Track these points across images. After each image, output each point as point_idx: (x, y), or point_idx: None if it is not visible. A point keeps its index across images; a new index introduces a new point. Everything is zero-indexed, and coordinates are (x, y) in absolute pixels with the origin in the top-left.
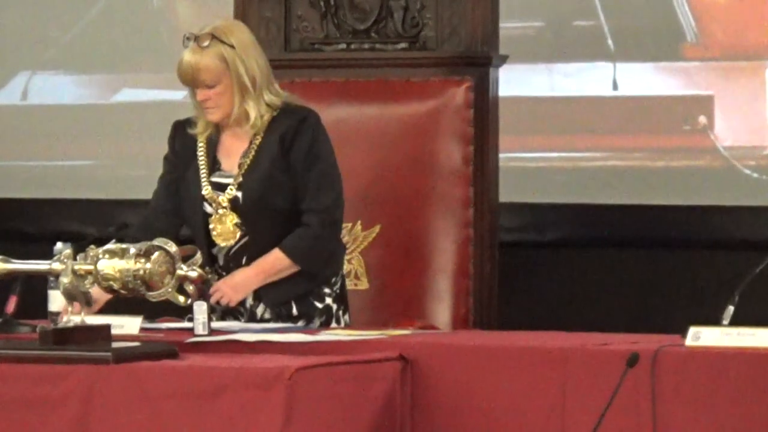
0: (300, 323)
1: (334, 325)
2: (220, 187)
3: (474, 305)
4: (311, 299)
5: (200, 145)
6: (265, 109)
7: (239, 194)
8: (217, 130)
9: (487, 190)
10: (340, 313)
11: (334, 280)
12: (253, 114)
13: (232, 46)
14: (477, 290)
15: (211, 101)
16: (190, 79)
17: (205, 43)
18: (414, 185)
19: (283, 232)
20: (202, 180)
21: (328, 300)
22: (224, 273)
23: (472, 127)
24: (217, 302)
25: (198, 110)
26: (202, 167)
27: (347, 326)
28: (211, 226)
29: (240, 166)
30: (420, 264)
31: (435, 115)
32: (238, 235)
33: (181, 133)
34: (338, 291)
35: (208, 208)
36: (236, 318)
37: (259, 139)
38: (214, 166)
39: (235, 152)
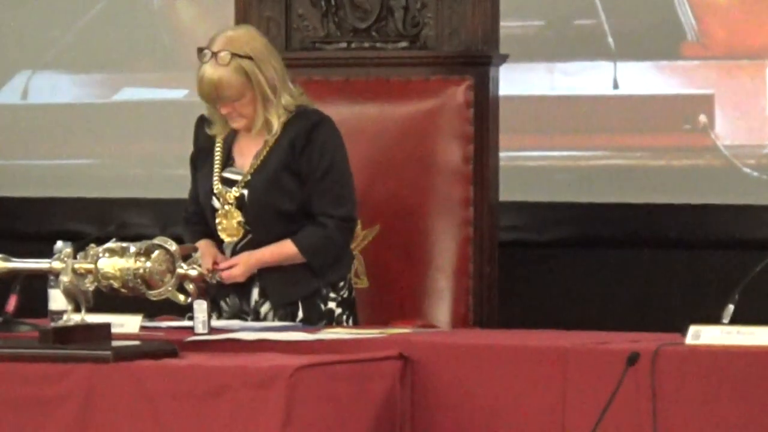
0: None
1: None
2: (230, 183)
3: (473, 304)
4: (317, 301)
5: (218, 139)
6: (282, 112)
7: (245, 192)
8: None
9: (487, 189)
10: (344, 317)
11: (341, 284)
12: (275, 123)
13: (249, 58)
14: (476, 289)
15: (236, 112)
16: (214, 96)
17: (225, 61)
18: (414, 184)
19: (286, 234)
20: (215, 174)
21: (332, 304)
22: None
23: (472, 126)
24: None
25: (214, 116)
26: (216, 161)
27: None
28: (217, 221)
29: (251, 165)
30: (420, 263)
31: (435, 114)
32: (241, 233)
33: (204, 127)
34: (345, 296)
35: (216, 203)
36: (243, 319)
37: (273, 141)
38: (227, 161)
39: (249, 150)
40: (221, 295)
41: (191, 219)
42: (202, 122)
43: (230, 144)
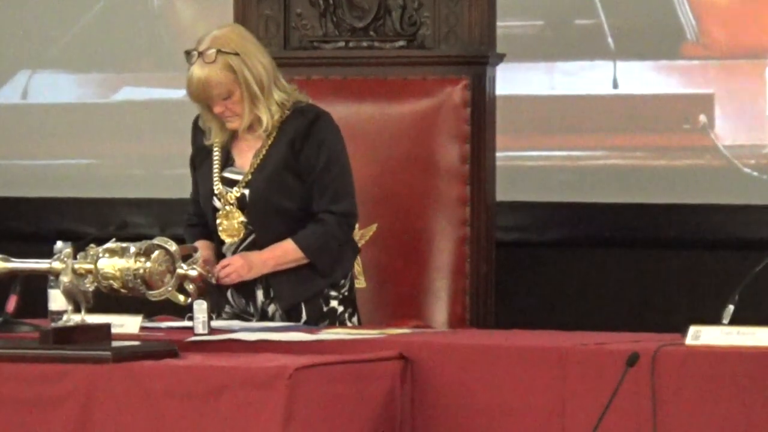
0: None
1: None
2: (230, 183)
3: (470, 304)
4: (320, 301)
5: (216, 140)
6: (276, 109)
7: (246, 192)
8: None
9: (484, 188)
10: (346, 315)
11: (342, 282)
12: (264, 119)
13: (236, 54)
14: (473, 289)
15: (229, 111)
16: (203, 95)
17: (212, 59)
18: (411, 184)
19: (289, 233)
20: (214, 175)
21: (333, 303)
22: None
23: (469, 126)
24: (218, 282)
25: (209, 122)
26: (215, 162)
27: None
28: (218, 222)
29: (251, 165)
30: (417, 262)
31: (432, 114)
32: (243, 233)
33: (200, 128)
34: (346, 293)
35: (217, 203)
36: (247, 320)
37: (272, 140)
38: (227, 161)
39: (248, 149)
40: (223, 294)
41: (191, 221)
42: (197, 124)
43: (229, 144)
